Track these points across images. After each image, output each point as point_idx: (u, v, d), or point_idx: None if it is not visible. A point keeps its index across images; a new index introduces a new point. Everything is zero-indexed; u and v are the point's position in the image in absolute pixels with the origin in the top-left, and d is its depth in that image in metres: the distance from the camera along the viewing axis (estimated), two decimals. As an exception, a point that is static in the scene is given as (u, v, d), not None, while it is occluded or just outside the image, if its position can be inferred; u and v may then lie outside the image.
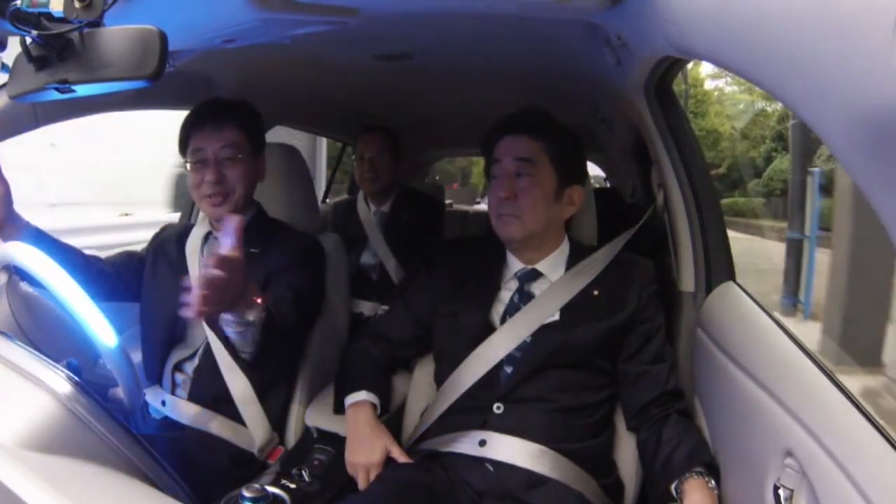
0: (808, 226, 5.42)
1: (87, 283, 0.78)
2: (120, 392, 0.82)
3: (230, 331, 0.93)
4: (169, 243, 1.26)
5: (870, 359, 3.35)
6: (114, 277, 1.21)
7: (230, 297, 0.81)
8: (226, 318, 0.90)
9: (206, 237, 1.22)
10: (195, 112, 1.18)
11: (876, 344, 3.35)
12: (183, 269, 1.19)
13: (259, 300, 0.88)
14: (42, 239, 1.06)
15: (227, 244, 0.79)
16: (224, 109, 1.17)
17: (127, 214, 2.90)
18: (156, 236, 1.32)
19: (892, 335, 3.23)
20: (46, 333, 0.95)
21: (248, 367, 1.11)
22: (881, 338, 3.32)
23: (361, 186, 2.04)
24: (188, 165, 1.16)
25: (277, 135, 1.73)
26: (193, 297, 0.74)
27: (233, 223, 0.80)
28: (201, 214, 1.26)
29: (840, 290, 4.03)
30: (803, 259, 5.27)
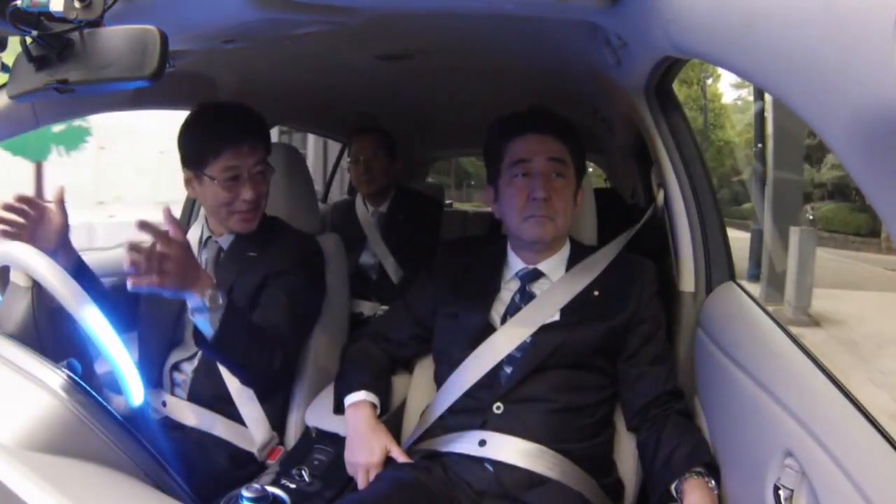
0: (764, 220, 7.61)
1: (115, 314, 0.81)
2: (122, 401, 0.82)
3: (195, 318, 0.94)
4: None
5: (780, 297, 6.15)
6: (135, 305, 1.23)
7: (176, 274, 0.85)
8: (189, 304, 0.93)
9: (206, 241, 1.21)
10: (226, 123, 1.13)
11: (780, 289, 6.17)
12: None
13: (214, 286, 0.91)
14: (83, 271, 1.11)
15: (170, 230, 0.85)
16: (250, 125, 1.16)
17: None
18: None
19: (788, 285, 5.99)
20: (65, 345, 0.95)
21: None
22: (783, 286, 6.09)
23: (358, 188, 2.04)
24: (216, 180, 1.11)
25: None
26: (136, 264, 0.80)
27: (167, 214, 0.86)
28: (200, 216, 1.25)
29: (767, 260, 6.84)
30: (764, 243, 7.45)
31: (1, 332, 0.87)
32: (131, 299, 1.19)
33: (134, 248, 0.80)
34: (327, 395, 1.17)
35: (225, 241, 1.20)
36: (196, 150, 1.13)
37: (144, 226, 0.81)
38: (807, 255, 5.88)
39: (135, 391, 0.80)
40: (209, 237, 1.21)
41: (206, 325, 0.93)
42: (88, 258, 1.54)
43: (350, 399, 1.08)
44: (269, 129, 1.21)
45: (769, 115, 7.23)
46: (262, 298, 1.13)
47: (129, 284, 0.80)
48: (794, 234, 6.04)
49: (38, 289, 0.96)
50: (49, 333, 0.95)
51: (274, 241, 1.19)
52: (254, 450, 1.12)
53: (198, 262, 0.91)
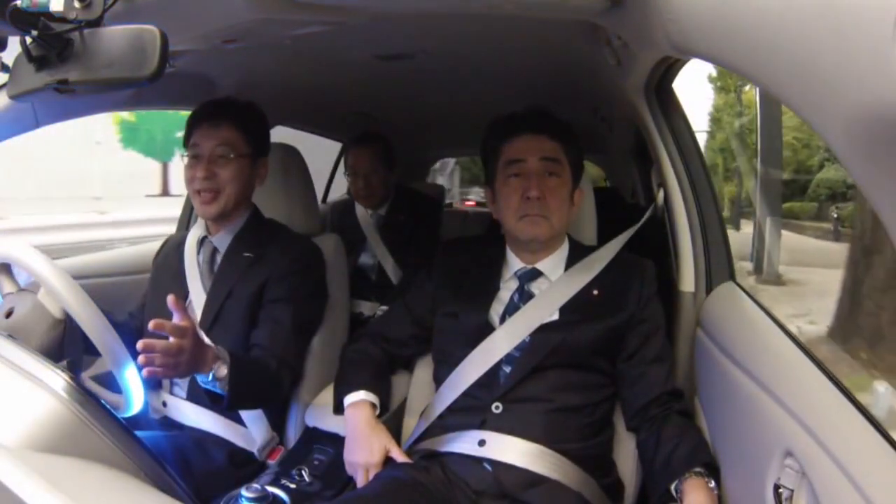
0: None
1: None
2: (122, 401, 0.82)
3: (205, 385, 0.98)
4: (170, 254, 1.27)
5: (761, 271, 6.39)
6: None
7: (185, 362, 0.88)
8: (199, 378, 0.97)
9: (202, 241, 1.21)
10: (198, 108, 1.18)
11: (761, 270, 6.45)
12: (182, 276, 1.19)
13: (218, 362, 0.95)
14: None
15: (175, 318, 0.87)
16: (224, 108, 1.17)
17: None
18: (157, 253, 1.33)
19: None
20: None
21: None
22: (763, 268, 6.43)
23: (356, 200, 2.03)
24: (185, 160, 1.16)
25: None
26: (150, 361, 0.82)
27: (172, 303, 0.87)
28: (199, 219, 1.26)
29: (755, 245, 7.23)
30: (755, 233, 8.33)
31: (3, 334, 0.87)
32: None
33: (148, 345, 0.82)
34: (327, 395, 1.17)
35: (220, 241, 1.20)
36: (184, 133, 1.18)
37: (158, 325, 0.83)
38: (775, 239, 7.31)
39: (136, 399, 0.81)
40: (205, 237, 1.21)
41: (216, 388, 0.97)
42: (87, 259, 1.54)
43: (349, 399, 1.08)
44: (253, 120, 1.20)
45: (757, 126, 8.34)
46: (264, 313, 1.14)
47: (144, 374, 0.83)
48: (767, 223, 7.54)
49: (70, 322, 0.96)
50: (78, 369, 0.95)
51: (272, 243, 1.19)
52: (254, 450, 1.12)
53: (204, 342, 0.93)
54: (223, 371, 0.95)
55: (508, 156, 1.05)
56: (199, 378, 0.96)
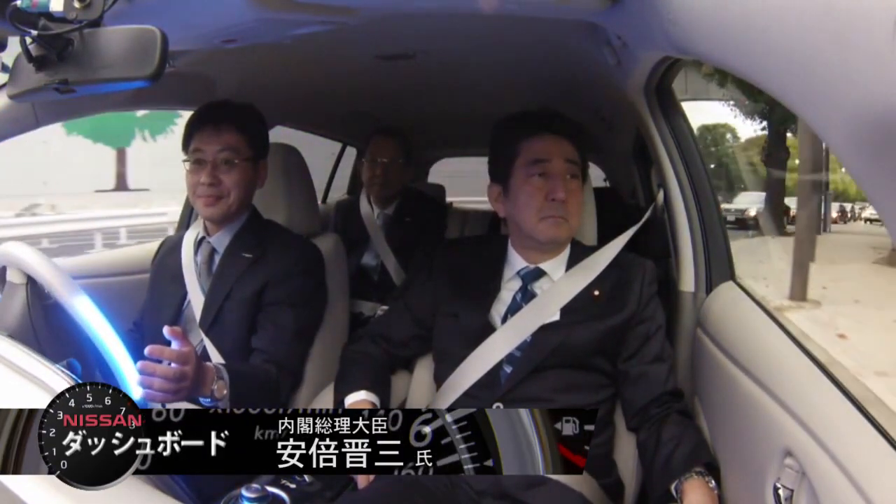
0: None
1: None
2: None
3: (206, 404, 0.99)
4: (167, 255, 1.27)
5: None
6: None
7: (186, 387, 0.89)
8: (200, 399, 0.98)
9: (200, 241, 1.21)
10: (198, 112, 1.18)
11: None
12: (180, 277, 1.19)
13: (218, 382, 0.96)
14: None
15: (175, 345, 0.88)
16: (225, 112, 1.16)
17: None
18: (155, 254, 1.34)
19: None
20: (62, 342, 0.96)
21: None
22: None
23: (369, 190, 2.01)
24: (187, 165, 1.16)
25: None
26: (149, 383, 0.84)
27: (169, 333, 0.88)
28: (198, 218, 1.26)
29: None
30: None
31: (0, 332, 0.87)
32: None
33: (148, 367, 0.83)
34: (327, 396, 1.17)
35: (218, 241, 1.19)
36: (183, 137, 1.17)
37: (156, 351, 0.85)
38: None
39: (133, 388, 0.81)
40: (203, 237, 1.21)
41: (217, 405, 0.98)
42: (87, 259, 1.55)
43: (350, 399, 1.08)
44: (254, 122, 1.20)
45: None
46: (264, 316, 1.14)
47: (143, 397, 0.84)
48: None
49: (32, 285, 0.95)
50: (45, 330, 0.95)
51: (271, 244, 1.19)
52: (253, 450, 1.12)
53: (203, 364, 0.94)
54: (224, 391, 0.96)
55: (532, 155, 1.04)
56: (202, 399, 0.97)
